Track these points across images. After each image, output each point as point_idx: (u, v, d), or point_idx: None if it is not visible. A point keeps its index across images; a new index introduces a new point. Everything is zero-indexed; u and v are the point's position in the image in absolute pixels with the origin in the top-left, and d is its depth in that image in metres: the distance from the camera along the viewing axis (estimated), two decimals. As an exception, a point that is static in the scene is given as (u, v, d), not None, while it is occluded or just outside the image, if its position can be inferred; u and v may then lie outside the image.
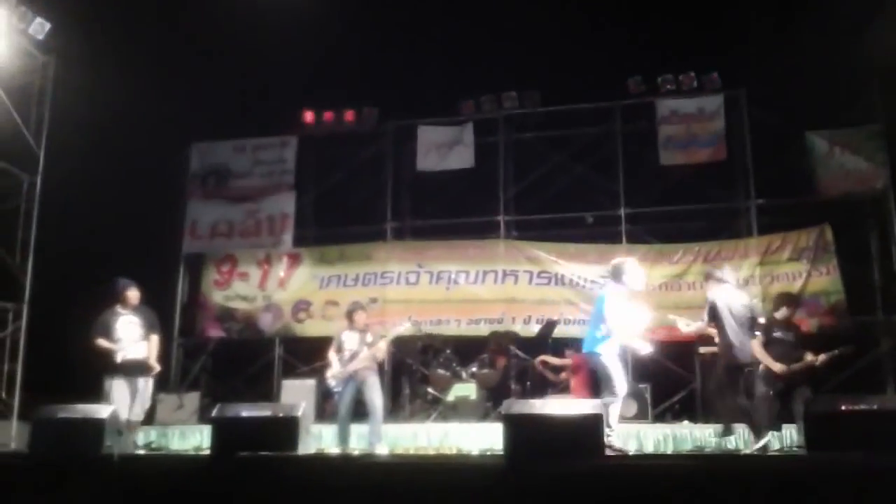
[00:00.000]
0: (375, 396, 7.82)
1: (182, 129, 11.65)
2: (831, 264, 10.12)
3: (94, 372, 9.04)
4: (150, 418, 9.78)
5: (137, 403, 7.47)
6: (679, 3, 9.72)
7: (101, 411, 6.19)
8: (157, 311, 8.36)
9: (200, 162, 12.32)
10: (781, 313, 7.49)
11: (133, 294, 7.77)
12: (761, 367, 7.32)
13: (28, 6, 9.70)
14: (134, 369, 7.51)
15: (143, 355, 7.59)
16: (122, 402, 7.27)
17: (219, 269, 11.98)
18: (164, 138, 11.13)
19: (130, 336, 7.59)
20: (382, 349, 8.03)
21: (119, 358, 7.44)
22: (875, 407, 5.52)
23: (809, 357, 7.24)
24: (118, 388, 7.39)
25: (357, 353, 7.89)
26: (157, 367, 7.70)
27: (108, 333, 7.52)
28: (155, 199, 11.18)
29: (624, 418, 9.03)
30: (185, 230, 12.05)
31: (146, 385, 7.60)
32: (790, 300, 7.76)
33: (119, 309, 7.69)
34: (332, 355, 8.07)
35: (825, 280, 10.13)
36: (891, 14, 9.33)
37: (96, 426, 6.05)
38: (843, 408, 5.52)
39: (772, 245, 10.43)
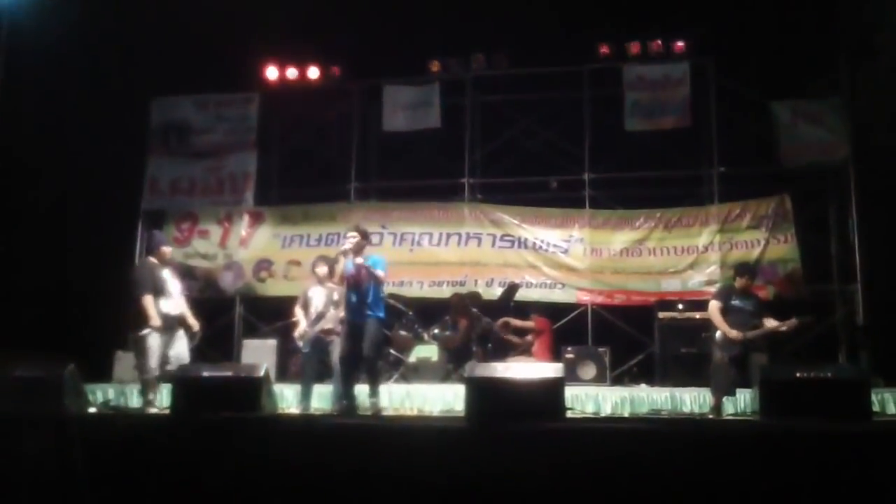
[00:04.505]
0: None
1: (142, 83, 11.37)
2: (789, 233, 10.30)
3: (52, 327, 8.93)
4: (107, 376, 9.73)
5: (171, 356, 7.30)
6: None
7: (61, 368, 6.09)
8: (115, 268, 8.26)
9: (161, 117, 12.03)
10: (739, 282, 7.63)
11: (168, 250, 7.74)
12: (718, 333, 7.48)
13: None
14: (174, 324, 7.41)
15: (182, 311, 7.53)
16: (156, 354, 7.20)
17: (178, 227, 11.80)
18: (122, 91, 10.86)
19: (175, 291, 7.52)
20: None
21: (169, 311, 7.33)
22: (829, 375, 5.66)
23: (773, 323, 7.37)
24: (156, 341, 7.26)
25: (324, 314, 7.87)
26: (197, 327, 7.64)
27: (158, 287, 7.38)
28: (113, 153, 10.92)
29: (583, 381, 9.23)
30: (145, 186, 11.84)
31: (182, 338, 7.47)
32: (748, 269, 7.91)
33: (157, 262, 7.58)
34: (298, 312, 8.03)
35: (783, 248, 10.30)
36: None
37: (54, 384, 5.96)
38: (797, 375, 5.65)
39: (732, 213, 10.56)
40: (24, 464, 5.04)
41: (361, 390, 7.67)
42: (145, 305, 7.24)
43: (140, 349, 7.28)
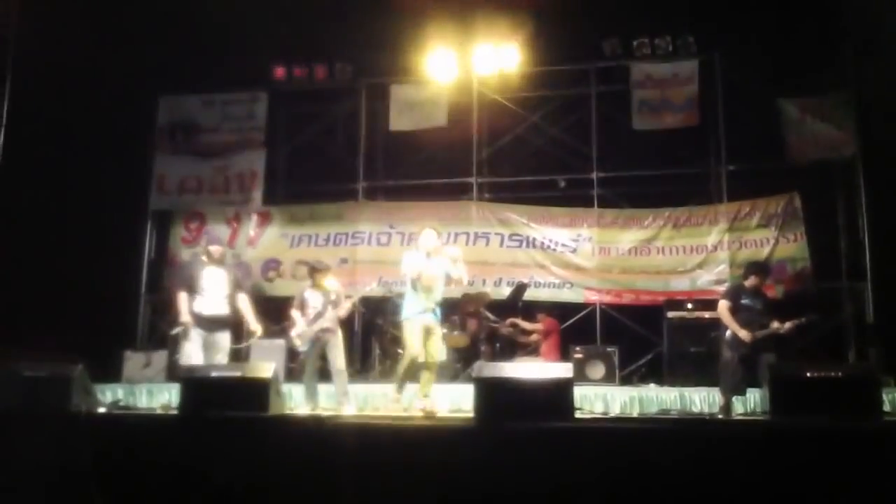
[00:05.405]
0: (338, 359, 7.80)
1: (149, 82, 11.38)
2: (799, 231, 10.27)
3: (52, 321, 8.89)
4: (117, 376, 9.74)
5: (212, 357, 7.19)
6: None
7: (69, 368, 6.09)
8: (124, 267, 8.22)
9: (168, 115, 12.05)
10: (750, 281, 7.61)
11: (216, 250, 7.60)
12: (727, 332, 7.45)
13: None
14: (213, 324, 7.30)
15: (225, 313, 7.40)
16: (195, 353, 7.13)
17: (187, 226, 11.82)
18: (130, 90, 10.86)
19: (216, 290, 7.37)
20: (346, 308, 7.96)
21: (201, 311, 7.26)
22: (839, 373, 5.62)
23: (775, 324, 7.35)
24: (194, 339, 7.22)
25: (322, 313, 7.84)
26: (259, 331, 7.55)
27: (193, 283, 7.31)
28: (121, 152, 10.93)
29: (591, 380, 9.20)
30: (153, 185, 11.86)
31: (223, 339, 7.35)
32: (760, 269, 7.87)
33: (204, 259, 7.55)
34: (295, 314, 8.00)
35: (792, 247, 10.27)
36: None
37: (63, 383, 5.96)
38: (807, 374, 5.61)
39: (741, 211, 10.53)
40: (32, 463, 5.05)
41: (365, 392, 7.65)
42: (176, 302, 7.24)
43: (179, 345, 7.31)
